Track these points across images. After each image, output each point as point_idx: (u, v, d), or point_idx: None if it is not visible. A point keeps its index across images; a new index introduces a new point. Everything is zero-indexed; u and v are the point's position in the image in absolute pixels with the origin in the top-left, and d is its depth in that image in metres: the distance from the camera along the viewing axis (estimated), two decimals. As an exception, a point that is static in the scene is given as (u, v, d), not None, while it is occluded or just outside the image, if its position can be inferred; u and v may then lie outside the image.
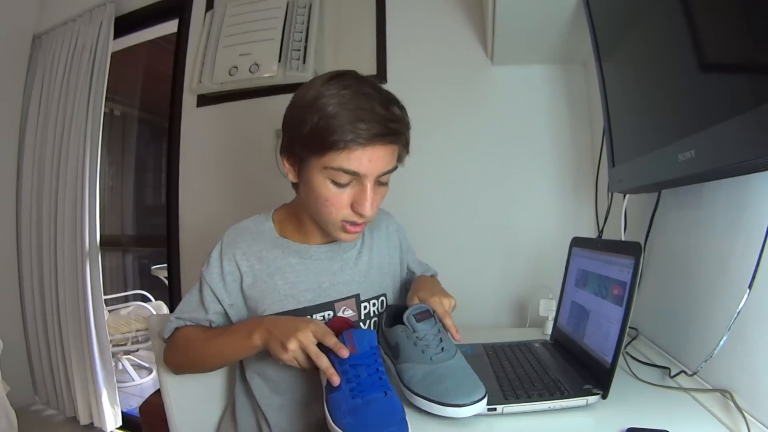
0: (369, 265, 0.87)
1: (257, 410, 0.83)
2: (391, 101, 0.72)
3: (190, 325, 0.82)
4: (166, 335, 0.83)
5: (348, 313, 0.82)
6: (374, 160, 0.69)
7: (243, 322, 0.78)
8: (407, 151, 0.78)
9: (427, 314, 0.72)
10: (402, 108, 0.75)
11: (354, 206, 0.72)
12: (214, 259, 0.82)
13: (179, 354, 0.81)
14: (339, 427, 0.57)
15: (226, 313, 0.82)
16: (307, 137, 0.70)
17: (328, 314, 0.81)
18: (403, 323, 0.72)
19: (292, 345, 0.64)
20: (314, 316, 0.80)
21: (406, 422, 0.57)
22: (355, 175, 0.70)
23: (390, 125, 0.69)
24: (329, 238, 0.84)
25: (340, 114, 0.67)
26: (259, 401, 0.82)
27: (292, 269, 0.81)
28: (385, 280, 0.88)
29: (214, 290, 0.81)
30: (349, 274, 0.84)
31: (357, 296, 0.83)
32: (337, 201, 0.72)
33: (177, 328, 0.82)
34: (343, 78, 0.71)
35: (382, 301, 0.86)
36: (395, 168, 0.75)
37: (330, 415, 0.60)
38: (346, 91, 0.69)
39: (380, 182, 0.74)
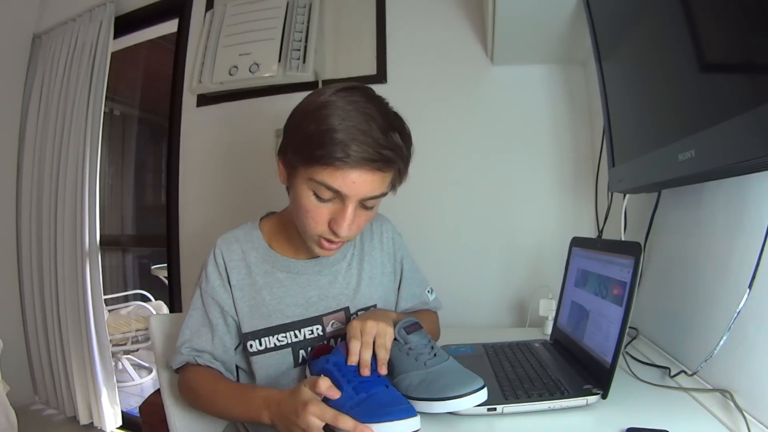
0: (359, 278, 0.85)
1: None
2: (393, 127, 0.69)
3: (201, 366, 0.77)
4: (174, 366, 0.79)
5: (337, 326, 0.81)
6: (359, 183, 0.67)
7: (251, 393, 0.70)
8: (401, 180, 0.76)
9: (417, 326, 0.73)
10: (405, 136, 0.73)
11: (331, 224, 0.71)
12: (211, 271, 0.81)
13: (189, 396, 0.79)
14: None
15: (237, 325, 0.81)
16: (299, 144, 0.70)
17: (317, 328, 0.80)
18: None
19: None
20: (302, 330, 0.80)
21: (413, 406, 0.58)
22: (338, 194, 0.68)
23: (383, 152, 0.66)
24: None
25: (336, 129, 0.65)
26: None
27: (280, 284, 0.81)
28: (376, 291, 0.86)
29: (221, 302, 0.80)
30: (338, 288, 0.83)
31: (346, 309, 0.82)
32: (316, 214, 0.71)
33: (188, 363, 0.78)
34: (352, 93, 0.69)
35: (372, 310, 0.84)
36: (384, 194, 0.73)
37: None
38: (350, 107, 0.67)
39: (365, 206, 0.72)
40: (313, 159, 0.67)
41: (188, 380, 0.78)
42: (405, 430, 0.55)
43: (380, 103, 0.71)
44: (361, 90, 0.71)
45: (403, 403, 0.59)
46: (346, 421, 0.55)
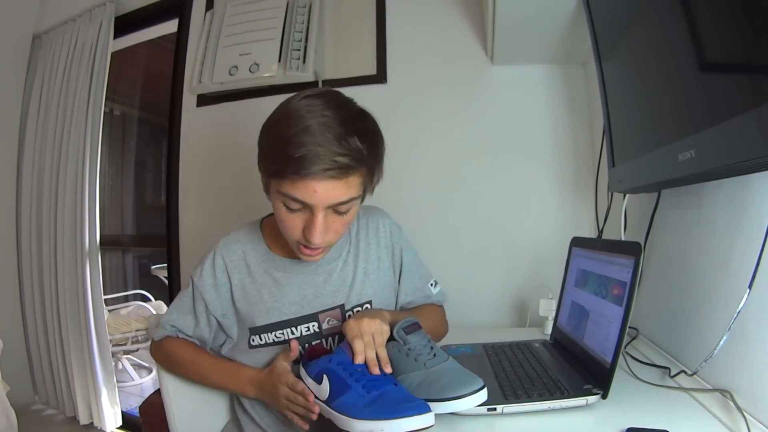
0: (354, 274, 0.86)
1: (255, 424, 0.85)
2: (350, 132, 0.67)
3: (182, 338, 0.84)
4: (155, 338, 0.86)
5: (333, 323, 0.82)
6: (321, 191, 0.67)
7: (236, 370, 0.82)
8: (373, 181, 0.75)
9: (416, 326, 0.73)
10: (368, 137, 0.70)
11: (305, 232, 0.72)
12: (207, 269, 0.83)
13: (167, 362, 0.87)
14: (362, 419, 0.57)
15: (218, 323, 0.84)
16: (262, 158, 0.72)
17: (313, 325, 0.82)
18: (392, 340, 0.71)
19: (287, 410, 0.71)
20: (299, 327, 0.81)
21: (426, 403, 0.58)
22: (304, 204, 0.69)
23: (337, 159, 0.65)
24: None
25: (289, 142, 0.65)
26: (252, 416, 0.85)
27: (277, 283, 0.83)
28: (371, 287, 0.86)
29: (207, 301, 0.82)
30: (334, 285, 0.84)
31: (341, 306, 0.83)
32: (290, 224, 0.72)
33: (168, 336, 0.85)
34: (311, 100, 0.69)
35: (367, 308, 0.85)
36: (355, 198, 0.72)
37: (345, 416, 0.60)
38: (308, 115, 0.66)
39: (338, 211, 0.72)
40: (273, 173, 0.69)
41: (168, 348, 0.85)
42: (422, 426, 0.55)
43: (340, 108, 0.69)
44: (323, 96, 0.70)
45: (415, 399, 0.59)
46: (298, 386, 0.68)
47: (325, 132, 0.66)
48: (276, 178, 0.69)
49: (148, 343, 2.38)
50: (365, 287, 0.86)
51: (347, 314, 0.83)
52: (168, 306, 1.99)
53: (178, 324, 0.84)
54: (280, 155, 0.66)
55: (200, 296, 0.83)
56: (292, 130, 0.66)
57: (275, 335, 0.81)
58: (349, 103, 0.73)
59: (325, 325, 0.82)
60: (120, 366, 2.61)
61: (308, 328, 0.81)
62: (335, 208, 0.71)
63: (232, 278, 0.83)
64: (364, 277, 0.86)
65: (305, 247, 0.74)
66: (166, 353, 0.85)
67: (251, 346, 0.82)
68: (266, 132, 0.72)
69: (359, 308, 0.84)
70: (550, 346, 0.90)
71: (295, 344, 0.72)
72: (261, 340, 0.81)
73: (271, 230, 0.87)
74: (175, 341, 0.84)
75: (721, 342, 0.62)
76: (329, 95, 0.72)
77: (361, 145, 0.68)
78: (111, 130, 3.12)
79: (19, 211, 2.17)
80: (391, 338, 0.71)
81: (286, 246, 0.84)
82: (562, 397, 0.64)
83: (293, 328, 0.81)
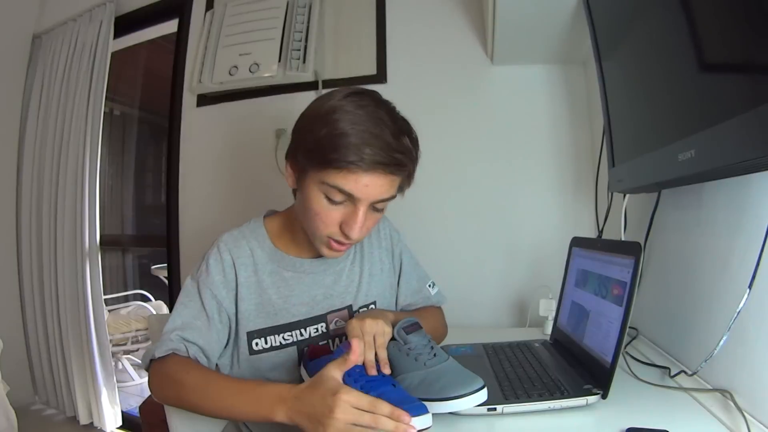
0: (361, 275, 0.87)
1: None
2: (403, 132, 0.71)
3: (188, 357, 0.71)
4: (159, 353, 0.70)
5: (340, 324, 0.82)
6: (372, 186, 0.68)
7: (258, 388, 0.62)
8: (409, 183, 0.77)
9: (417, 326, 0.73)
10: (414, 140, 0.74)
11: (342, 226, 0.72)
12: (214, 266, 0.78)
13: (171, 388, 0.68)
14: None
15: (229, 323, 0.79)
16: (311, 148, 0.70)
17: (321, 326, 0.81)
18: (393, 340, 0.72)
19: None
20: (308, 328, 0.80)
21: (424, 404, 0.58)
22: (350, 197, 0.69)
23: (395, 156, 0.68)
24: None
25: (349, 134, 0.66)
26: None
27: (286, 283, 0.81)
28: (376, 289, 0.88)
29: (219, 298, 0.77)
30: (342, 286, 0.84)
31: (349, 307, 0.83)
32: (327, 217, 0.72)
33: (173, 353, 0.70)
34: (362, 97, 0.70)
35: (372, 309, 0.86)
36: (393, 197, 0.74)
37: None
38: (361, 111, 0.68)
39: (375, 208, 0.73)
40: (326, 162, 0.68)
41: (172, 370, 0.68)
42: (420, 427, 0.55)
43: (389, 108, 0.73)
44: (369, 94, 0.72)
45: (413, 400, 0.59)
46: (383, 407, 0.52)
47: (382, 127, 0.67)
48: (326, 168, 0.68)
49: (148, 342, 2.39)
50: (371, 288, 0.86)
51: (354, 315, 0.83)
52: (169, 307, 1.98)
53: (187, 334, 0.72)
54: (339, 145, 0.66)
55: (211, 294, 0.76)
56: (347, 123, 0.66)
57: (283, 337, 0.79)
58: (391, 104, 0.75)
59: (332, 326, 0.82)
60: (120, 366, 2.60)
61: (316, 329, 0.81)
62: (375, 205, 0.72)
63: (239, 276, 0.78)
64: (370, 278, 0.87)
65: (336, 242, 0.74)
66: (170, 377, 0.68)
67: (253, 352, 0.78)
68: (315, 122, 0.70)
69: (365, 308, 0.84)
70: (550, 346, 0.90)
71: (356, 345, 0.58)
72: (266, 343, 0.79)
73: (275, 228, 0.85)
74: (181, 362, 0.69)
75: (721, 342, 0.62)
76: (372, 94, 0.73)
77: (411, 146, 0.71)
78: (111, 130, 3.12)
79: (19, 211, 2.16)
80: (392, 338, 0.71)
81: (292, 244, 0.84)
82: (562, 397, 0.64)
83: (302, 330, 0.80)
